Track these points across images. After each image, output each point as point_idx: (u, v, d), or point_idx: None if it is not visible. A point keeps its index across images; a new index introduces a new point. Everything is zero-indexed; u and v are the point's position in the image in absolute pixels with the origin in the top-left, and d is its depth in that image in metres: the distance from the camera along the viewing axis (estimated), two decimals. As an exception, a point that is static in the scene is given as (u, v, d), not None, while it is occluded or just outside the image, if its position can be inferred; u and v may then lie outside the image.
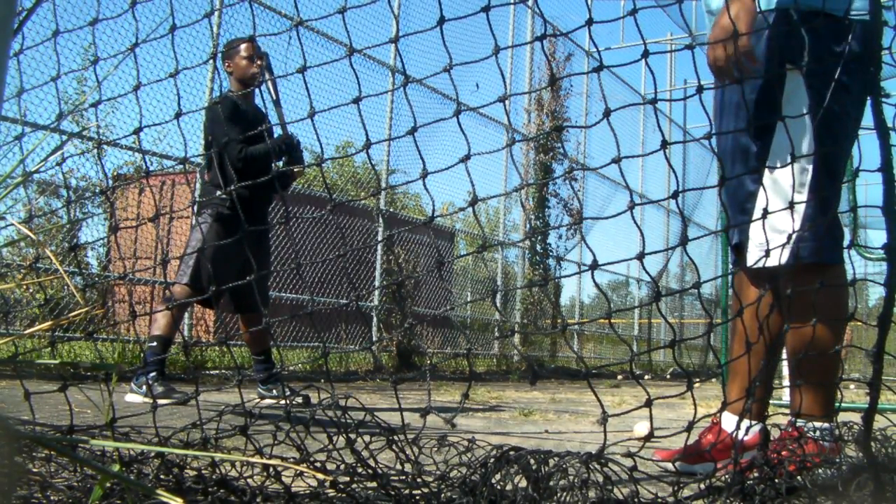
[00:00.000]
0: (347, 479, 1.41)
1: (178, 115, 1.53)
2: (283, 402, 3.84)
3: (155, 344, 3.68)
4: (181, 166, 6.81)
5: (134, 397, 3.57)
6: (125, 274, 6.88)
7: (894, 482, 1.45)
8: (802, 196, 1.98)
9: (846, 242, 1.97)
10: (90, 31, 1.56)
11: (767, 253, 1.73)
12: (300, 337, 7.76)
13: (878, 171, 1.31)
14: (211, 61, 5.93)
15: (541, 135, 10.28)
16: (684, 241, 2.10)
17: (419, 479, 1.42)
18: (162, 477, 1.33)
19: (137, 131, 1.57)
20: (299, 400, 3.85)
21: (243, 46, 4.00)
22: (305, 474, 1.40)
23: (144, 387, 3.55)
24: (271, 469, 1.38)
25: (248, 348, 4.17)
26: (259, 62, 4.00)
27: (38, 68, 5.12)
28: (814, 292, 1.84)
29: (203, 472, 1.38)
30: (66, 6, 5.49)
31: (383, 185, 8.14)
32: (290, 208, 7.58)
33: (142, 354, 5.49)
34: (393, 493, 1.39)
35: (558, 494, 1.32)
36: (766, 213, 1.65)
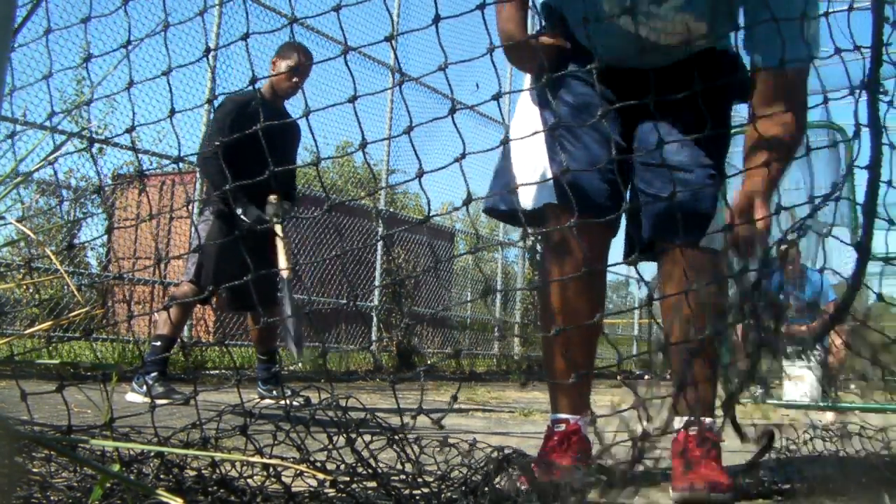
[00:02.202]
0: (347, 478, 1.41)
1: (171, 114, 1.53)
2: (282, 401, 3.83)
3: (158, 343, 3.67)
4: (176, 166, 6.80)
5: (134, 397, 3.57)
6: (120, 274, 6.88)
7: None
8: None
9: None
10: (87, 30, 1.56)
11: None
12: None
13: (865, 168, 1.31)
14: (209, 60, 5.93)
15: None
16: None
17: (420, 479, 1.42)
18: (162, 477, 1.34)
19: (130, 130, 1.57)
20: (300, 400, 3.83)
21: (294, 56, 3.90)
22: (305, 474, 1.40)
23: (145, 386, 3.55)
24: (271, 469, 1.38)
25: (255, 347, 4.14)
26: (296, 80, 3.90)
27: (37, 68, 5.12)
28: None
29: (203, 472, 1.38)
30: (65, 6, 5.49)
31: (383, 185, 8.14)
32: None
33: (141, 355, 5.49)
34: (393, 493, 1.39)
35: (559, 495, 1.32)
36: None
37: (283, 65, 3.88)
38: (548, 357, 2.04)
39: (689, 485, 1.67)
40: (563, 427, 1.89)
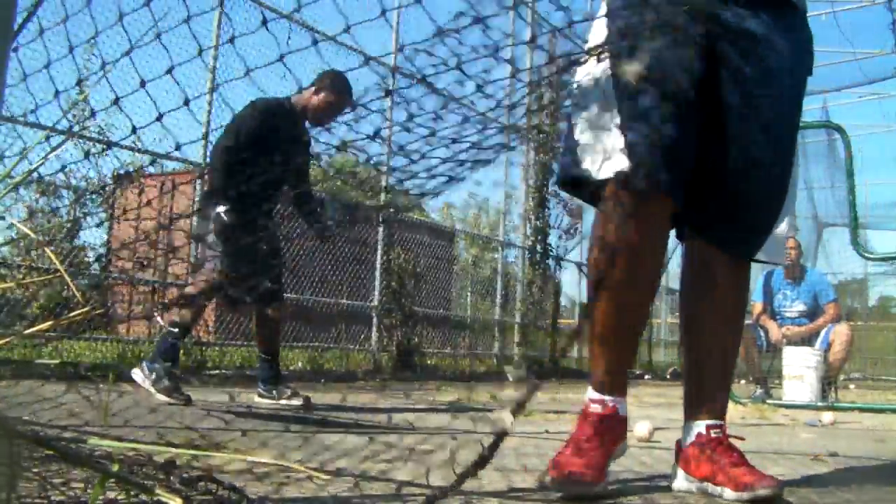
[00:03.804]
0: (349, 478, 1.41)
1: (116, 102, 1.52)
2: (282, 402, 3.83)
3: (176, 330, 3.61)
4: (176, 165, 6.80)
5: (138, 375, 3.53)
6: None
7: None
8: None
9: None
10: (89, 30, 1.57)
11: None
12: (300, 337, 7.76)
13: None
14: (210, 59, 5.93)
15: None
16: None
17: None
18: (161, 477, 1.33)
19: (97, 126, 1.57)
20: (300, 402, 3.83)
21: (343, 98, 3.85)
22: (304, 474, 1.40)
23: (154, 374, 3.51)
24: (271, 470, 1.38)
25: (257, 346, 4.12)
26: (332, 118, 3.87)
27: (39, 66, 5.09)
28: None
29: (204, 472, 1.38)
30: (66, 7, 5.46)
31: (383, 185, 8.12)
32: (289, 208, 7.56)
33: (141, 354, 5.48)
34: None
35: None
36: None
37: (332, 98, 3.85)
38: (594, 330, 1.84)
39: (753, 485, 1.63)
40: (599, 408, 1.78)
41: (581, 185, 1.84)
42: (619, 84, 1.73)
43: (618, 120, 1.73)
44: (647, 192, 1.72)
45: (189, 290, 3.81)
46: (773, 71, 1.78)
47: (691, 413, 1.85)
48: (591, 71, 1.78)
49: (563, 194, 10.68)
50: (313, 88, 3.91)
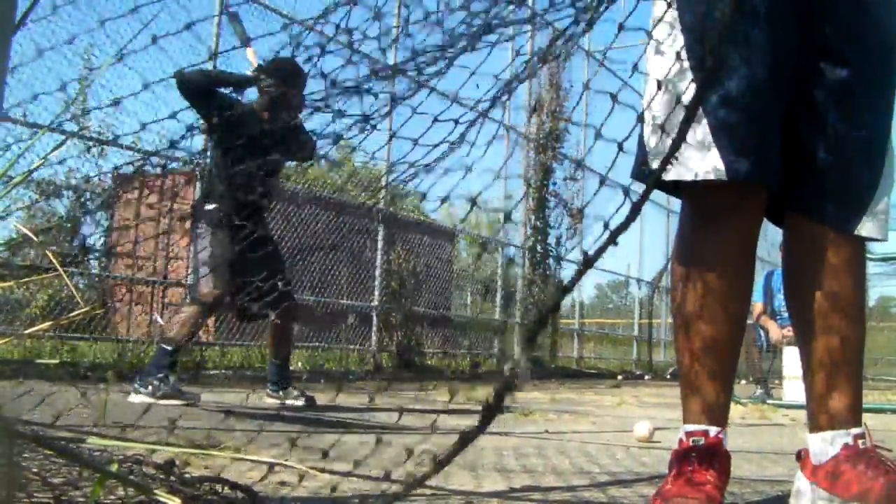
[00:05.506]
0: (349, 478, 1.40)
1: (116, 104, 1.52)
2: (288, 402, 3.84)
3: (169, 348, 3.63)
4: (175, 165, 6.80)
5: (139, 398, 3.53)
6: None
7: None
8: None
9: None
10: (91, 31, 1.56)
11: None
12: (300, 337, 7.76)
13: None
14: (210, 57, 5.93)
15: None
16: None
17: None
18: (161, 477, 1.33)
19: (78, 129, 1.56)
20: (305, 401, 3.84)
21: (293, 83, 3.66)
22: (307, 474, 1.39)
23: (150, 387, 3.51)
24: (272, 469, 1.37)
25: (270, 350, 4.09)
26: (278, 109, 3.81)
27: (40, 67, 5.11)
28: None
29: (203, 471, 1.37)
30: (68, 9, 5.47)
31: (383, 184, 8.14)
32: (290, 207, 7.57)
33: (141, 354, 5.49)
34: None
35: None
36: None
37: (282, 89, 3.78)
38: (685, 355, 1.60)
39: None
40: (701, 440, 1.53)
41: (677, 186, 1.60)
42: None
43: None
44: (730, 188, 1.51)
45: (187, 310, 3.77)
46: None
47: (822, 422, 1.59)
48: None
49: (563, 195, 10.69)
50: (261, 91, 3.87)
